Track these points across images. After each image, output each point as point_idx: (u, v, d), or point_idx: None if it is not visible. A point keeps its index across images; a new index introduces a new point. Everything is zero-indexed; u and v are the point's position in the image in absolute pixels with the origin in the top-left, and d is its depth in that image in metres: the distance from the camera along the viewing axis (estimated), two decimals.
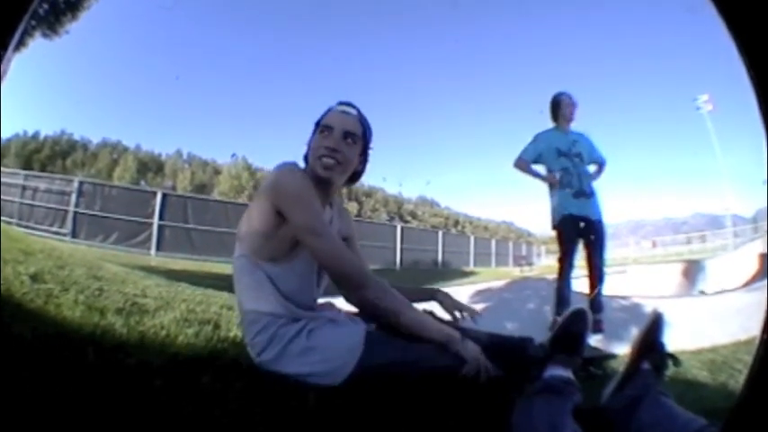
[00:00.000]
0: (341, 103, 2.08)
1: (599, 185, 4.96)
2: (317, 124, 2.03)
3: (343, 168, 2.01)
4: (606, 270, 4.83)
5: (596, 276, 4.75)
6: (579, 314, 1.90)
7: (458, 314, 2.19)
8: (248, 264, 1.89)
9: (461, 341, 1.79)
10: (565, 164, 4.83)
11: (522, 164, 5.00)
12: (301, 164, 2.06)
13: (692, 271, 14.22)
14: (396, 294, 1.85)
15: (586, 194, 4.78)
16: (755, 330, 1.12)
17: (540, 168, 4.98)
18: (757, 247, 12.90)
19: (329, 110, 2.05)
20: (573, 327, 1.87)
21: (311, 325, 1.86)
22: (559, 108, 4.95)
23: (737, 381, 2.98)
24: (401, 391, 1.70)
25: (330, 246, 1.81)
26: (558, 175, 4.84)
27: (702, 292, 11.01)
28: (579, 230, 4.76)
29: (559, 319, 1.94)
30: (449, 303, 2.21)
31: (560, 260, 4.81)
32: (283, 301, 1.86)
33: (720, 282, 10.75)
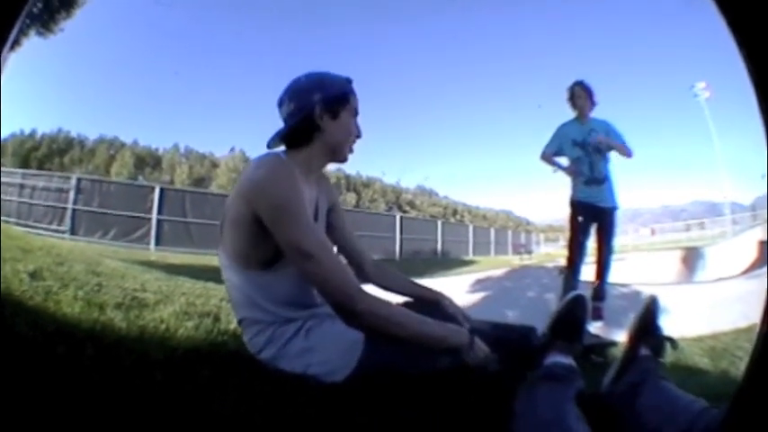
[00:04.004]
0: (351, 81, 1.95)
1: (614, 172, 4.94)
2: (343, 102, 1.87)
3: None
4: (613, 259, 4.83)
5: (600, 264, 4.77)
6: (578, 300, 1.88)
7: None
8: (234, 274, 1.82)
9: (469, 348, 1.71)
10: (578, 153, 4.86)
11: (546, 156, 5.06)
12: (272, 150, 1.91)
13: (692, 258, 14.29)
14: (393, 309, 1.68)
15: (597, 182, 4.79)
16: (756, 317, 1.11)
17: (564, 160, 5.01)
18: (756, 235, 12.95)
19: (350, 90, 1.92)
20: (572, 313, 1.86)
21: (309, 323, 1.80)
22: (572, 99, 4.96)
23: (738, 368, 2.99)
24: (403, 385, 1.70)
25: (320, 269, 1.62)
26: (572, 165, 4.87)
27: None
28: (587, 218, 4.79)
29: (558, 305, 1.93)
30: (451, 310, 2.09)
31: (568, 246, 4.84)
32: (278, 307, 1.80)
33: (720, 269, 10.78)
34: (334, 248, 2.10)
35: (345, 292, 1.62)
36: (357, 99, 1.92)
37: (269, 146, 1.92)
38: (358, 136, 1.93)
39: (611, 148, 4.85)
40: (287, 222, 1.62)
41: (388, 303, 1.68)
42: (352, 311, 1.61)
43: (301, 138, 1.86)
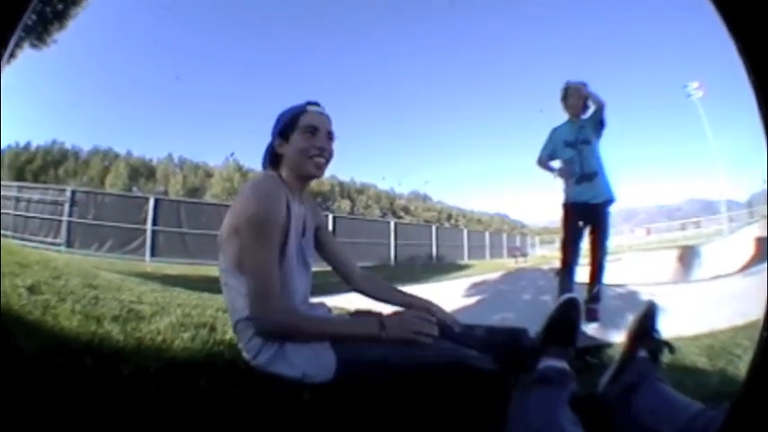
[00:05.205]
0: (312, 103, 2.13)
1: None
2: (292, 125, 2.07)
3: (328, 165, 2.10)
4: (607, 259, 4.84)
5: (595, 266, 4.78)
6: (570, 303, 1.88)
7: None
8: (233, 278, 1.92)
9: (382, 330, 1.82)
10: (570, 154, 4.89)
11: (541, 162, 5.12)
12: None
13: (688, 257, 14.29)
14: (296, 326, 1.86)
15: (588, 178, 4.80)
16: (753, 315, 1.13)
17: (558, 163, 5.05)
18: (753, 232, 12.96)
19: (301, 110, 2.10)
20: (564, 316, 1.86)
21: None
22: (565, 99, 5.01)
23: (736, 366, 2.99)
24: (395, 386, 1.71)
25: (250, 282, 1.83)
26: (564, 167, 4.92)
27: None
28: (581, 218, 4.81)
29: (551, 309, 1.94)
30: (440, 317, 2.12)
31: (561, 248, 4.85)
32: None
33: (717, 267, 10.79)
34: (325, 262, 2.36)
35: (256, 310, 1.81)
36: (315, 116, 2.09)
37: (263, 167, 2.19)
38: (319, 148, 2.05)
39: (585, 97, 4.92)
40: (247, 236, 1.84)
41: (292, 321, 1.85)
42: (257, 324, 1.83)
43: (273, 164, 2.13)
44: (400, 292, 2.37)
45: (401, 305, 2.24)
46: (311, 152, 2.03)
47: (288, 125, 2.07)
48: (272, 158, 2.12)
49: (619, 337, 3.49)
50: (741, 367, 2.84)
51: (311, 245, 2.21)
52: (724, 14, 1.06)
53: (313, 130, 2.05)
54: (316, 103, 2.13)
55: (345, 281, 2.36)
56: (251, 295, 1.81)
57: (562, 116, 5.09)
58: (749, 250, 11.38)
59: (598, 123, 4.84)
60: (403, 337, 1.81)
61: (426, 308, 2.17)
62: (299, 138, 2.04)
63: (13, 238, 12.50)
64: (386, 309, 2.19)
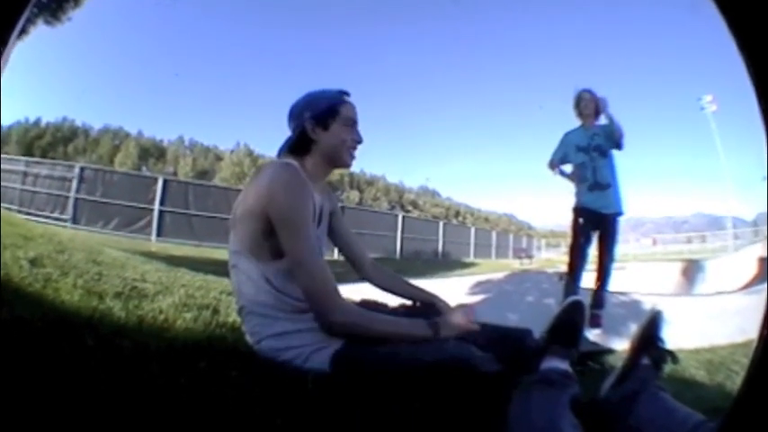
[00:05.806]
0: (346, 93, 2.13)
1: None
2: (333, 114, 2.04)
3: None
4: (613, 267, 4.83)
5: (601, 272, 4.78)
6: (575, 306, 1.91)
7: None
8: (244, 261, 1.89)
9: (436, 333, 1.84)
10: (582, 159, 4.87)
11: (552, 165, 5.10)
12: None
13: (692, 270, 14.25)
14: (364, 321, 1.84)
15: (601, 187, 4.79)
16: (753, 333, 1.11)
17: (569, 167, 5.03)
18: (757, 251, 12.93)
19: (341, 100, 2.09)
20: (569, 318, 1.88)
21: (307, 315, 1.86)
22: (578, 106, 5.00)
23: (735, 382, 2.98)
24: (397, 382, 1.70)
25: (307, 277, 1.79)
26: (576, 171, 4.89)
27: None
28: (590, 224, 4.80)
29: (556, 310, 1.94)
30: (445, 312, 2.13)
31: (569, 252, 4.83)
32: (282, 296, 1.86)
33: (719, 283, 10.77)
34: (335, 250, 2.40)
35: (324, 304, 1.78)
36: (352, 108, 2.11)
37: (278, 155, 2.11)
38: (358, 141, 2.10)
39: (599, 111, 4.89)
40: (289, 232, 1.79)
41: (360, 316, 1.85)
42: (326, 321, 1.78)
43: (302, 149, 2.06)
44: (409, 284, 2.37)
45: (409, 297, 2.27)
46: (350, 144, 2.07)
47: (328, 113, 2.04)
48: (302, 144, 2.06)
49: (620, 345, 3.48)
50: (739, 383, 2.84)
51: (325, 233, 2.19)
52: (728, 21, 1.06)
53: (353, 123, 2.08)
54: (348, 93, 2.13)
55: (355, 269, 2.36)
56: (312, 295, 1.78)
57: (569, 119, 5.09)
58: (752, 269, 11.35)
59: (614, 144, 4.82)
60: (455, 334, 1.86)
61: (433, 302, 2.20)
62: (342, 129, 2.05)
63: (19, 212, 12.53)
64: (393, 300, 2.22)
